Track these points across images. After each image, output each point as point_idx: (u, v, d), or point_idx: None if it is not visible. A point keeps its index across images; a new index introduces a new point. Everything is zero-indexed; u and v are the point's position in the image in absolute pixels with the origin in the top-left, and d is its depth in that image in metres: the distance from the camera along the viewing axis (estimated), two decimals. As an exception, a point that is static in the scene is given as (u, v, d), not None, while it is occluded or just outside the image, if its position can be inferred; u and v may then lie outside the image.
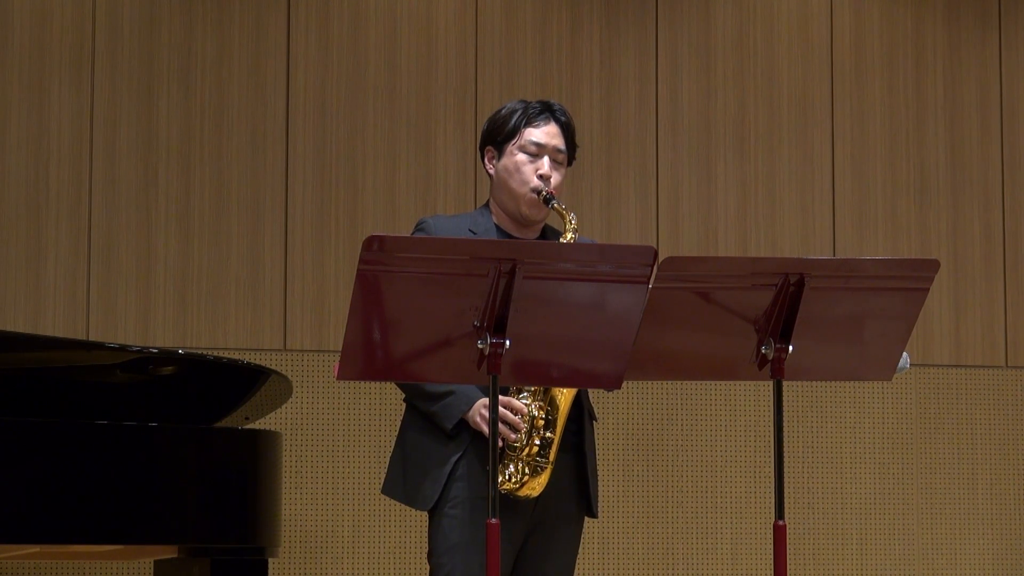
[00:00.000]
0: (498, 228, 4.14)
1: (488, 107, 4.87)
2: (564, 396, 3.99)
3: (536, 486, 3.97)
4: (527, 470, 3.96)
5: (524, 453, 3.96)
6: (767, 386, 3.55)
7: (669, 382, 6.43)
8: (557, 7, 6.58)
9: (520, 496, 3.96)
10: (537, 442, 3.96)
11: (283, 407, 5.50)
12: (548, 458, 3.97)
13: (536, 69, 6.52)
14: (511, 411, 3.94)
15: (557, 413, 3.99)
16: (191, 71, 6.25)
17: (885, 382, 5.03)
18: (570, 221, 4.06)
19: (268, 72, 6.30)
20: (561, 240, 4.07)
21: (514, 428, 3.94)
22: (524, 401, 3.97)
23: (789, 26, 6.78)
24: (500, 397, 3.90)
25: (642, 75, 6.63)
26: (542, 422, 3.97)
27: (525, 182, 4.09)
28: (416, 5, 6.46)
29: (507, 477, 3.95)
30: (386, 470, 4.14)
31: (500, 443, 3.91)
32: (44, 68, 6.15)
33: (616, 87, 6.59)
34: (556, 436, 3.98)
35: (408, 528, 6.09)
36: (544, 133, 4.12)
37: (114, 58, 6.19)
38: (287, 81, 6.32)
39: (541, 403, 3.98)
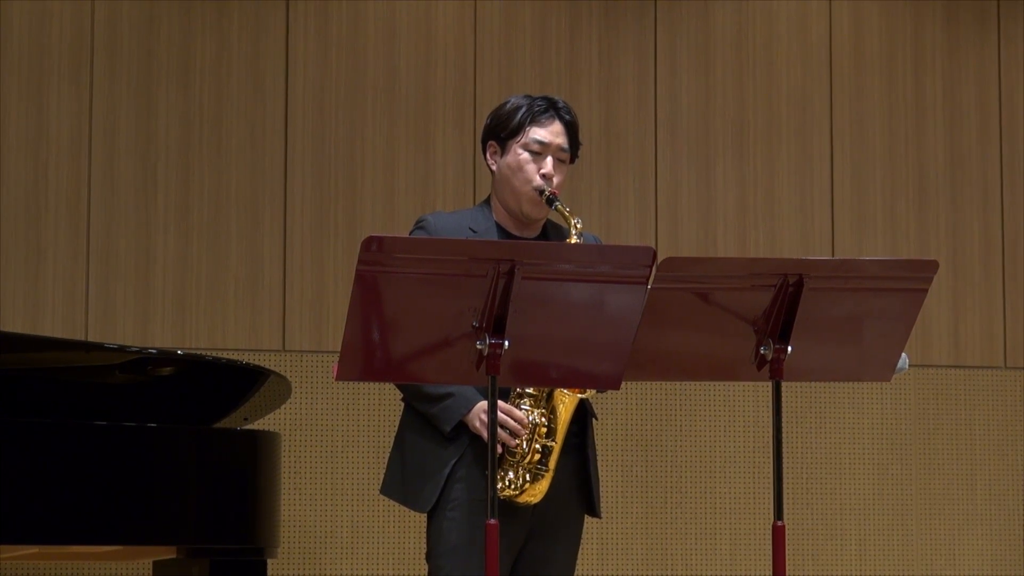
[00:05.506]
0: (499, 226, 4.13)
1: (487, 107, 4.86)
2: (566, 405, 3.98)
3: (536, 493, 3.96)
4: (527, 477, 3.95)
5: (525, 461, 3.95)
6: (766, 386, 3.55)
7: (669, 382, 6.43)
8: (557, 7, 6.58)
9: (520, 503, 3.95)
10: (538, 448, 3.96)
11: (282, 407, 5.50)
12: (548, 466, 3.96)
13: (535, 69, 6.52)
14: (512, 419, 3.94)
15: (558, 422, 3.98)
16: (190, 71, 6.25)
17: (884, 383, 5.02)
18: (575, 225, 4.05)
19: (267, 72, 6.30)
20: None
21: (514, 434, 3.93)
22: (525, 409, 3.96)
23: (788, 26, 6.78)
24: (501, 405, 3.90)
25: (641, 75, 6.62)
26: (544, 429, 3.97)
27: (528, 180, 4.08)
28: (415, 5, 6.46)
29: (507, 484, 3.94)
30: (384, 470, 4.14)
31: (500, 447, 3.91)
32: (44, 68, 6.14)
33: (615, 87, 6.59)
34: (557, 444, 3.97)
35: (407, 528, 6.09)
36: (549, 132, 4.11)
37: (113, 58, 6.19)
38: (286, 81, 6.32)
39: (543, 410, 3.97)
